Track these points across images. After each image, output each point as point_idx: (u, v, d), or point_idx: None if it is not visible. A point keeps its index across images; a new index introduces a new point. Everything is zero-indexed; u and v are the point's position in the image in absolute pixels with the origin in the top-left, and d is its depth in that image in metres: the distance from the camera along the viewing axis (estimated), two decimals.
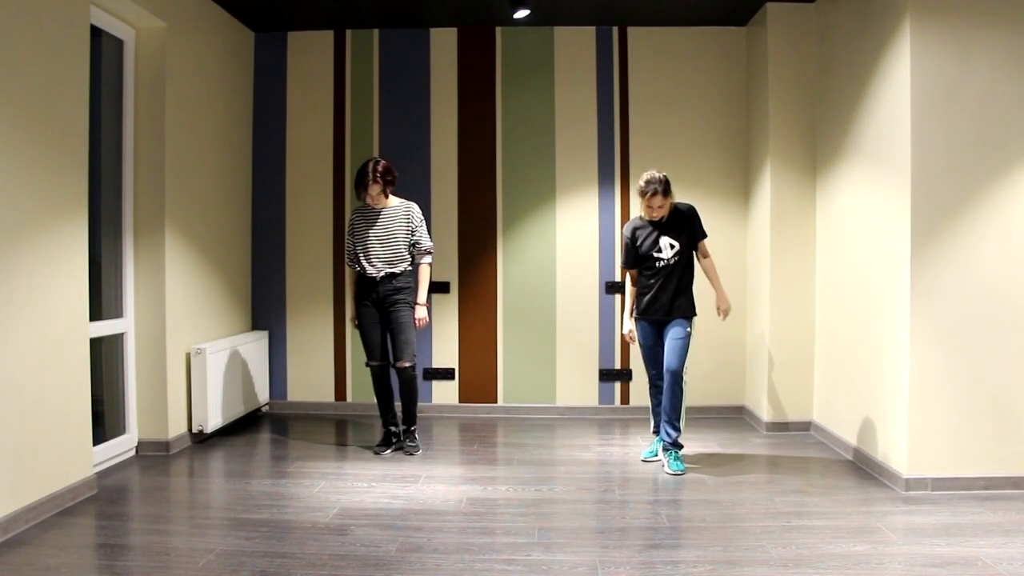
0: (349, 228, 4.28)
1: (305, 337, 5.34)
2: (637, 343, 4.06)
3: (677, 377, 3.83)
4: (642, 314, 3.97)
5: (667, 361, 3.84)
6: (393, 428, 4.33)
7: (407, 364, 4.17)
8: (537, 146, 5.28)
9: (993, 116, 3.50)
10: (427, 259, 4.25)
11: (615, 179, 5.25)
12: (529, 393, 5.30)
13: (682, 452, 3.97)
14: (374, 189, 4.06)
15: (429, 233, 4.41)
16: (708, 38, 5.21)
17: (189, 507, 3.39)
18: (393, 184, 4.15)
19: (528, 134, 5.28)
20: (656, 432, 4.13)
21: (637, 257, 3.98)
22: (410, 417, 4.31)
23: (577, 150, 5.26)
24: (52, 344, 3.22)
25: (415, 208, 4.24)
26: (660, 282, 3.89)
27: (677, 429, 3.90)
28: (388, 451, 4.25)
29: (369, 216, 4.19)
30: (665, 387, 3.88)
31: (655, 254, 3.90)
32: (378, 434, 4.48)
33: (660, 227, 3.91)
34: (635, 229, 4.00)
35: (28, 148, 3.07)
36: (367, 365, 4.29)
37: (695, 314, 3.95)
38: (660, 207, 3.83)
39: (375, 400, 4.36)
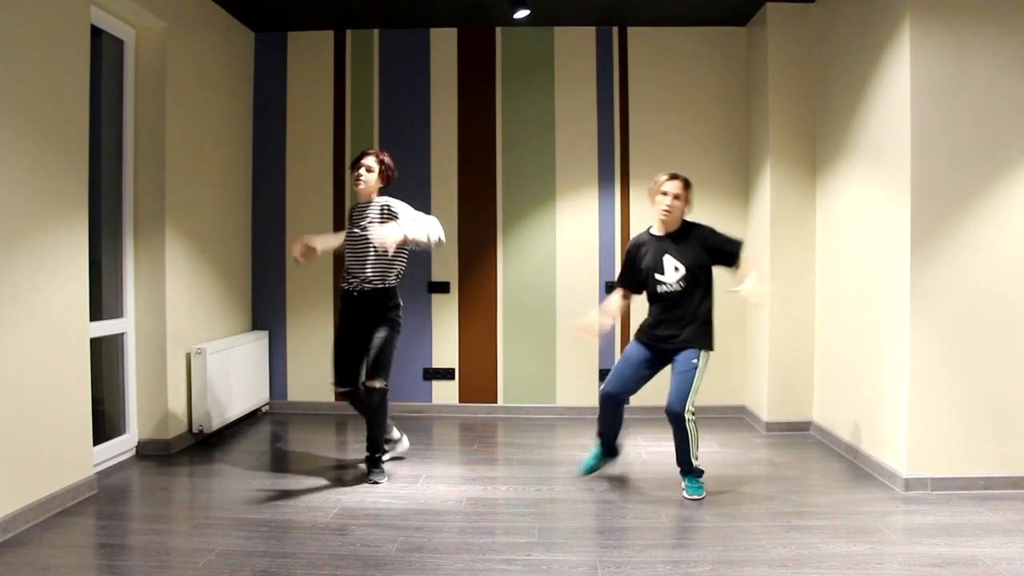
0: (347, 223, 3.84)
1: (305, 337, 5.34)
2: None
3: (679, 420, 3.35)
4: (640, 333, 3.61)
5: (669, 398, 3.40)
6: (390, 437, 4.02)
7: (377, 385, 3.62)
8: (537, 146, 5.28)
9: (993, 116, 3.50)
10: (430, 225, 3.55)
11: (615, 179, 5.25)
12: (529, 393, 5.30)
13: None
14: (369, 160, 3.67)
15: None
16: (708, 38, 5.21)
17: (189, 507, 3.39)
18: (389, 177, 3.77)
19: (528, 134, 5.28)
20: (599, 435, 3.72)
21: (636, 276, 3.55)
22: (375, 443, 3.76)
23: (577, 150, 5.26)
24: (52, 344, 3.22)
25: (393, 201, 3.66)
26: (664, 312, 3.46)
27: (689, 464, 3.47)
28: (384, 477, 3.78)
29: (355, 215, 3.76)
30: (673, 430, 3.43)
31: (657, 276, 3.46)
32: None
33: (666, 243, 3.49)
34: (639, 244, 3.58)
35: (28, 148, 3.07)
36: (333, 389, 3.86)
37: (710, 348, 3.46)
38: (676, 197, 3.41)
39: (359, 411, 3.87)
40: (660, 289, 3.48)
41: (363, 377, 3.72)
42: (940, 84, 3.50)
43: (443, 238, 3.61)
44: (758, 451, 4.35)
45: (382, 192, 3.80)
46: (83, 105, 3.43)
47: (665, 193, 3.44)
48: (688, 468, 3.49)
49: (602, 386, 3.62)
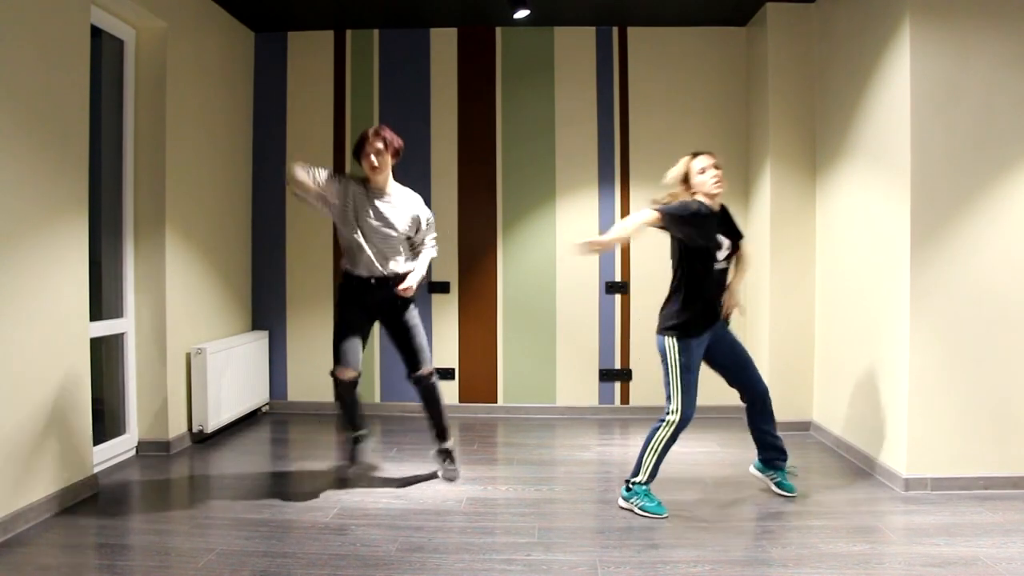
0: (344, 189, 3.48)
1: (305, 337, 5.34)
2: (680, 362, 3.21)
3: (767, 394, 3.43)
4: (695, 329, 3.21)
5: (758, 384, 3.40)
6: (362, 433, 3.82)
7: (429, 371, 3.63)
8: (537, 146, 5.28)
9: (993, 116, 3.50)
10: (433, 250, 3.73)
11: (615, 179, 5.25)
12: (529, 393, 5.30)
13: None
14: (376, 144, 3.43)
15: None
16: (708, 38, 5.21)
17: (189, 507, 3.39)
18: (398, 156, 3.57)
19: (528, 134, 5.28)
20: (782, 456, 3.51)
21: (694, 240, 3.17)
22: (444, 431, 3.74)
23: (577, 150, 5.26)
24: (52, 344, 3.22)
25: (421, 206, 3.65)
26: (712, 291, 3.25)
27: (783, 450, 3.51)
28: (355, 467, 3.75)
29: (371, 195, 3.52)
30: (764, 408, 3.43)
31: (716, 255, 3.25)
32: (341, 447, 3.85)
33: (718, 220, 3.28)
34: (709, 214, 3.20)
35: (28, 148, 3.07)
36: (333, 375, 3.57)
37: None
38: (718, 166, 3.22)
39: (377, 402, 3.84)
40: (716, 267, 3.25)
41: (417, 369, 3.62)
42: (940, 84, 3.50)
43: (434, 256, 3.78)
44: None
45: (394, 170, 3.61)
46: (83, 105, 3.43)
47: (704, 169, 3.20)
48: (782, 454, 3.48)
49: (683, 414, 3.21)
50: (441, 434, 3.76)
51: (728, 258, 3.31)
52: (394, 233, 3.56)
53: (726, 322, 3.41)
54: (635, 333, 5.22)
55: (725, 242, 3.27)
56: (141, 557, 2.79)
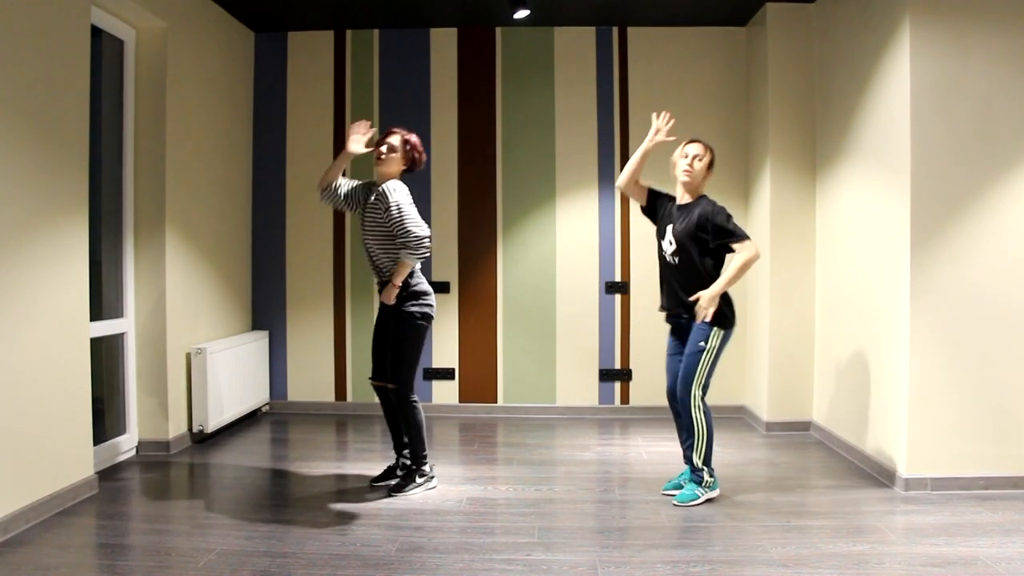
0: (355, 191, 3.60)
1: (305, 337, 5.34)
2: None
3: (683, 404, 3.31)
4: (662, 308, 3.51)
5: (677, 383, 3.37)
6: (403, 460, 3.65)
7: (389, 386, 3.49)
8: (537, 146, 5.28)
9: (993, 115, 3.50)
10: (405, 254, 3.32)
11: (615, 179, 5.25)
12: (529, 393, 5.30)
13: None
14: (393, 139, 3.46)
15: (427, 221, 3.49)
16: (708, 38, 5.21)
17: (189, 507, 3.39)
18: (415, 160, 3.52)
19: (528, 134, 5.28)
20: (687, 461, 3.46)
21: (654, 215, 3.50)
22: (411, 453, 3.56)
23: (577, 150, 5.26)
24: (52, 344, 3.22)
25: (388, 186, 3.35)
26: (667, 284, 3.42)
27: (688, 460, 3.41)
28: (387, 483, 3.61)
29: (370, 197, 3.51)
30: (678, 419, 3.45)
31: (661, 243, 3.41)
32: (383, 456, 3.90)
33: (676, 212, 3.35)
34: (663, 198, 3.48)
35: (28, 148, 3.07)
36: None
37: (724, 325, 3.28)
38: (697, 158, 3.31)
39: (377, 402, 3.75)
40: (663, 255, 3.41)
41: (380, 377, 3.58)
42: (940, 83, 3.50)
43: (422, 245, 3.30)
44: (758, 451, 4.35)
45: (403, 175, 3.53)
46: (83, 105, 3.43)
47: (686, 155, 3.34)
48: (690, 465, 3.40)
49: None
50: (411, 455, 3.58)
51: (676, 256, 3.32)
52: (370, 229, 3.44)
53: (705, 328, 3.26)
54: (635, 333, 5.23)
55: (668, 235, 3.37)
56: (141, 557, 2.79)
